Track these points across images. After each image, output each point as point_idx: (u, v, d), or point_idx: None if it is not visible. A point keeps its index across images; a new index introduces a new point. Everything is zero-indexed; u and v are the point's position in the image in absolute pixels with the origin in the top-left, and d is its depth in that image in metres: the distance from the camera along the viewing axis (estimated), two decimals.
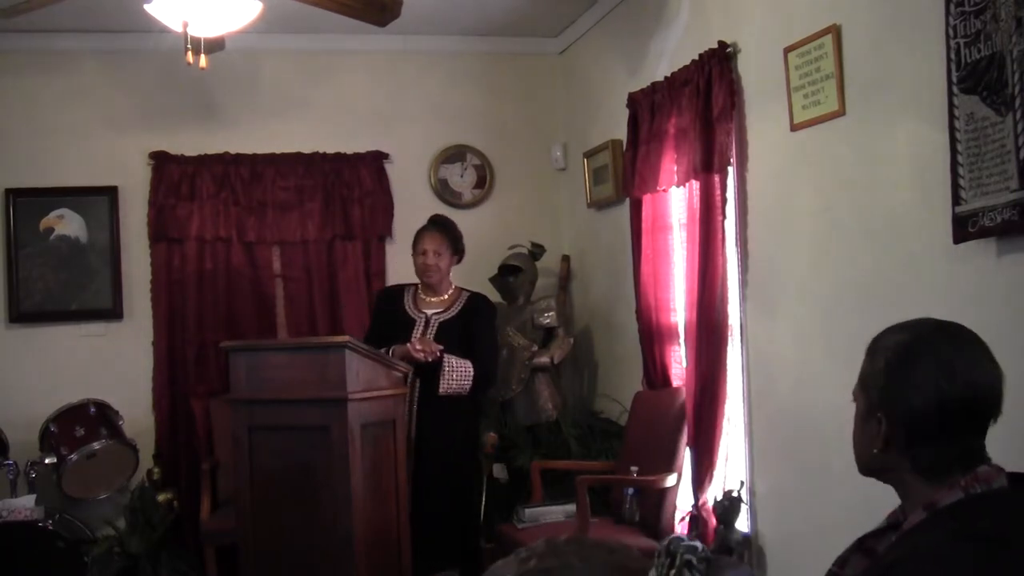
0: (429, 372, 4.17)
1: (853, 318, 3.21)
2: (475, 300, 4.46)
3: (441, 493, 4.19)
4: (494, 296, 5.41)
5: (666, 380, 4.49)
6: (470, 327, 4.34)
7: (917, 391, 1.57)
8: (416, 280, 4.49)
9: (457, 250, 4.45)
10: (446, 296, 4.43)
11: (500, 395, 5.22)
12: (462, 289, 4.49)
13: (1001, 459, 1.63)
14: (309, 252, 5.49)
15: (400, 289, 4.56)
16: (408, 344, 4.15)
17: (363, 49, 5.60)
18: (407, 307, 4.42)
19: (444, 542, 4.20)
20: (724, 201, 3.93)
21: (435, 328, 4.32)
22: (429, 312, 4.38)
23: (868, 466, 1.67)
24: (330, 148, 5.54)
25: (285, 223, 5.46)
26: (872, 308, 3.13)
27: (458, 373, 4.22)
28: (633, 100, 4.66)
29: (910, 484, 1.60)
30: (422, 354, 4.10)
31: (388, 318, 4.43)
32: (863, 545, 1.70)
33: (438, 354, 4.14)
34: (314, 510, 3.63)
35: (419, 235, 4.44)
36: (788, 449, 3.66)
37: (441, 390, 4.17)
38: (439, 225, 4.45)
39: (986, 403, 1.58)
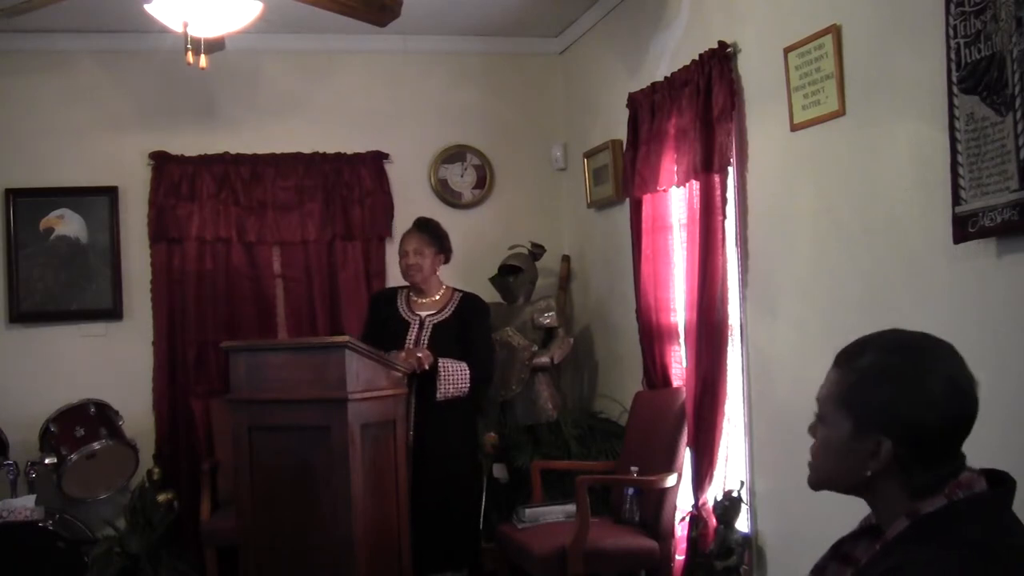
0: (425, 377, 4.16)
1: (853, 318, 3.21)
2: (468, 300, 4.47)
3: (441, 496, 4.19)
4: (494, 296, 5.41)
5: (666, 380, 4.49)
6: (465, 328, 4.35)
7: (930, 410, 1.48)
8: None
9: (442, 249, 4.46)
10: (438, 297, 4.44)
11: (500, 395, 5.22)
12: (454, 289, 4.50)
13: (1001, 458, 1.63)
14: (309, 252, 5.49)
15: (393, 292, 4.59)
16: (396, 356, 4.11)
17: (363, 49, 5.60)
18: (401, 310, 4.43)
19: (445, 544, 4.20)
20: (724, 201, 3.92)
21: (429, 330, 4.33)
22: (423, 314, 4.39)
23: (846, 486, 1.61)
24: (330, 148, 5.54)
25: (285, 223, 5.46)
26: (872, 308, 3.14)
27: (455, 377, 4.21)
28: (633, 100, 4.66)
29: (894, 500, 1.54)
30: (410, 367, 4.08)
31: (383, 319, 4.44)
32: (840, 551, 1.67)
33: (426, 366, 4.12)
34: (314, 510, 3.63)
35: (402, 238, 4.51)
36: (788, 449, 3.65)
37: (439, 396, 4.16)
38: (420, 226, 4.51)
39: (975, 415, 1.52)
